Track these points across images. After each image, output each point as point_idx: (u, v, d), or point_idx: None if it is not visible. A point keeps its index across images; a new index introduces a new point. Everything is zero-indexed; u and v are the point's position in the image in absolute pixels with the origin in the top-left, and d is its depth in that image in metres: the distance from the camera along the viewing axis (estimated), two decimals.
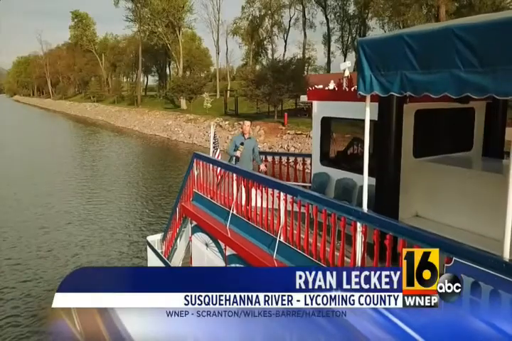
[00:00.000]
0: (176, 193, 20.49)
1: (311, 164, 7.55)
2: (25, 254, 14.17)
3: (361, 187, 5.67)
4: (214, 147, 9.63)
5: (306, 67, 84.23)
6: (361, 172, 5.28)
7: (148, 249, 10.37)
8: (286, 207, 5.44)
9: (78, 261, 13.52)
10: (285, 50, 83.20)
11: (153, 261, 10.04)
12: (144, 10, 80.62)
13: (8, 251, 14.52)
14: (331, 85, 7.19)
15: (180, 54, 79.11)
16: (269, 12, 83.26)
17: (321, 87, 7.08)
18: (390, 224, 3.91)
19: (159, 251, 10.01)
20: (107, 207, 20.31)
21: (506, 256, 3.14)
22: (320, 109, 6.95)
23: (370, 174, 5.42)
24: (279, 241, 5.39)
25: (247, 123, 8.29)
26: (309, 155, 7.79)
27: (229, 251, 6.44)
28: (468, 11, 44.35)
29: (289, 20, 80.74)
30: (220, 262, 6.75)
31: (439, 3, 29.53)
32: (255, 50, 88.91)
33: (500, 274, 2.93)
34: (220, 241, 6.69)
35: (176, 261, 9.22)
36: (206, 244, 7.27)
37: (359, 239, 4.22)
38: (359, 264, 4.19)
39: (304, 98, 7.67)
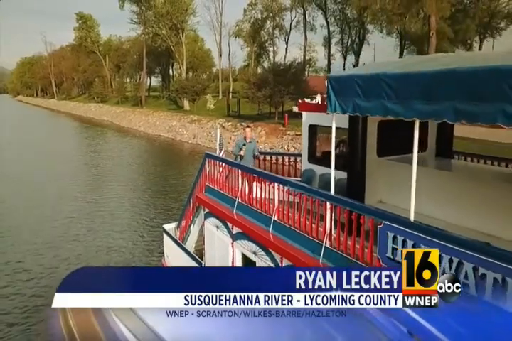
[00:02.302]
0: (184, 190, 22.54)
1: (301, 162, 9.31)
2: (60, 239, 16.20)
3: (339, 180, 7.43)
4: (220, 148, 11.43)
5: (307, 69, 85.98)
6: (339, 168, 7.08)
7: (165, 236, 12.12)
8: (279, 194, 7.19)
9: (105, 245, 15.52)
10: (286, 52, 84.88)
11: (169, 246, 11.80)
12: (148, 13, 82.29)
13: (46, 237, 16.50)
14: (318, 98, 8.93)
15: (183, 56, 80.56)
16: (271, 15, 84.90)
17: (308, 100, 8.80)
18: (347, 202, 5.65)
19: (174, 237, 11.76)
20: (124, 201, 22.32)
21: (411, 218, 4.89)
22: (308, 118, 8.69)
23: (343, 169, 7.23)
24: (274, 219, 7.14)
25: (248, 129, 10.08)
26: (300, 155, 9.55)
27: (235, 230, 8.20)
28: (463, 16, 45.97)
29: (290, 23, 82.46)
30: (228, 239, 8.50)
31: (430, 12, 31.24)
32: (257, 51, 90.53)
33: (406, 229, 4.67)
34: (228, 223, 8.44)
35: (190, 243, 10.98)
36: (217, 226, 9.02)
37: (328, 214, 5.96)
38: (328, 232, 5.93)
39: (295, 109, 9.42)
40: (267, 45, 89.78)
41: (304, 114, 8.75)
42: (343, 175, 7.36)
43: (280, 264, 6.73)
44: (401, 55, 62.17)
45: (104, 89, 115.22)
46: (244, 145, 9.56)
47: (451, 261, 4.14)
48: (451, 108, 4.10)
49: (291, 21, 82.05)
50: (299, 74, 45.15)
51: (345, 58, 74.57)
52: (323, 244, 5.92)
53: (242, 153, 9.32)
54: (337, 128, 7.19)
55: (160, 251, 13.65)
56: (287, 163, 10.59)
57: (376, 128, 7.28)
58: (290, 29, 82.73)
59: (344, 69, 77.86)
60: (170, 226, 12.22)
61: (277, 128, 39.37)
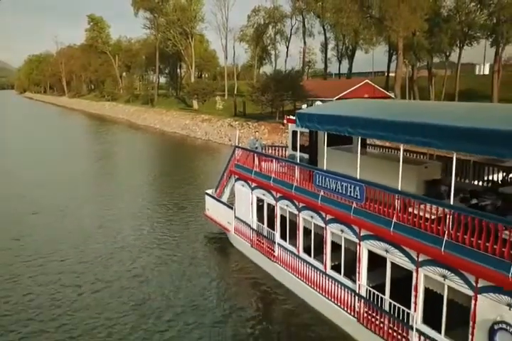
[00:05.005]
0: (204, 177, 30.28)
1: (287, 150, 16.99)
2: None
3: (306, 159, 15.11)
4: (238, 143, 19.01)
5: (307, 70, 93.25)
6: (305, 152, 14.79)
7: (206, 196, 19.72)
8: (276, 166, 14.82)
9: (157, 205, 23.32)
10: (287, 56, 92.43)
11: (210, 202, 19.42)
12: (160, 19, 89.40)
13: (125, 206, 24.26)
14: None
15: (192, 58, 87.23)
16: (273, 20, 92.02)
17: (291, 117, 16.39)
18: (305, 165, 13.29)
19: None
20: (165, 183, 30.20)
21: (325, 168, 12.49)
22: (291, 127, 16.28)
23: (306, 152, 14.91)
24: (273, 177, 14.75)
25: (257, 134, 17.70)
26: (287, 146, 17.25)
27: (253, 185, 15.83)
28: (438, 31, 53.21)
29: (291, 29, 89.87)
30: (249, 191, 16.12)
31: (397, 38, 38.65)
32: (260, 54, 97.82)
33: (321, 172, 12.28)
34: (249, 182, 16.08)
35: (224, 198, 18.63)
36: (242, 185, 16.66)
37: (297, 172, 13.57)
38: (296, 179, 13.51)
39: (285, 121, 17.07)
40: (269, 48, 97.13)
41: (289, 124, 16.40)
42: (307, 156, 15.05)
43: (275, 195, 14.41)
44: (390, 60, 69.41)
45: (115, 88, 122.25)
46: (256, 140, 17.25)
47: (341, 185, 11.70)
48: (346, 129, 11.74)
49: (292, 27, 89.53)
50: (297, 80, 52.48)
51: (340, 62, 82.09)
52: (294, 184, 13.55)
53: (256, 145, 17.01)
54: (305, 132, 14.91)
55: (192, 209, 21.58)
56: (280, 151, 18.33)
57: (325, 133, 14.90)
58: (290, 35, 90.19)
59: (339, 72, 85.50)
60: (210, 191, 19.83)
61: (278, 127, 46.73)
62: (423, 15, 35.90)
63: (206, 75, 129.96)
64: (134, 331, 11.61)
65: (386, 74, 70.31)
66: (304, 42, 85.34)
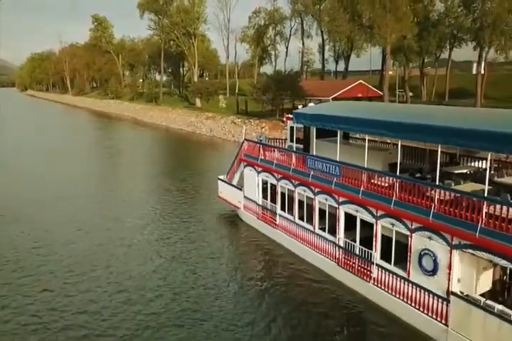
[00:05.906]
0: (212, 168, 34.51)
1: (286, 142, 21.07)
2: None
3: (301, 149, 19.22)
4: (245, 137, 23.08)
5: (305, 69, 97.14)
6: (300, 143, 18.92)
7: (219, 181, 23.77)
8: (277, 155, 18.88)
9: (175, 189, 27.42)
10: (286, 56, 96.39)
11: (222, 186, 23.47)
12: (164, 21, 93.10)
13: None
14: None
15: (195, 58, 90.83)
16: (273, 22, 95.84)
17: (290, 115, 20.42)
18: (300, 153, 17.33)
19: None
20: (181, 171, 34.32)
21: (314, 153, 16.54)
22: (289, 123, 20.35)
23: (301, 143, 19.07)
24: (275, 163, 18.80)
25: (262, 130, 21.89)
26: (286, 139, 21.32)
27: (259, 169, 19.88)
28: (427, 35, 57.20)
29: (290, 30, 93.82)
30: (255, 174, 20.18)
31: (382, 45, 42.75)
32: (260, 54, 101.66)
33: (312, 157, 16.32)
34: (256, 167, 20.13)
35: (235, 182, 22.69)
36: (250, 170, 20.73)
37: (293, 158, 17.60)
38: (293, 163, 17.55)
39: (284, 118, 21.14)
40: (269, 48, 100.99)
41: (288, 121, 20.48)
42: (302, 146, 19.14)
43: (277, 176, 18.46)
44: (383, 60, 73.28)
45: (119, 86, 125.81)
46: (260, 136, 21.34)
47: (326, 166, 15.75)
48: (330, 125, 15.79)
49: (291, 29, 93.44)
50: (296, 80, 56.49)
51: (337, 63, 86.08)
52: (291, 167, 17.60)
53: (261, 138, 21.09)
54: (300, 127, 19.01)
55: (206, 193, 25.66)
56: (281, 143, 22.40)
57: (315, 128, 18.96)
58: (290, 36, 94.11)
59: (336, 71, 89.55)
60: (222, 177, 23.88)
61: (278, 124, 50.57)
62: (410, 22, 39.83)
63: (207, 74, 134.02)
64: (167, 272, 15.85)
65: (381, 73, 74.25)
66: (303, 43, 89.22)
